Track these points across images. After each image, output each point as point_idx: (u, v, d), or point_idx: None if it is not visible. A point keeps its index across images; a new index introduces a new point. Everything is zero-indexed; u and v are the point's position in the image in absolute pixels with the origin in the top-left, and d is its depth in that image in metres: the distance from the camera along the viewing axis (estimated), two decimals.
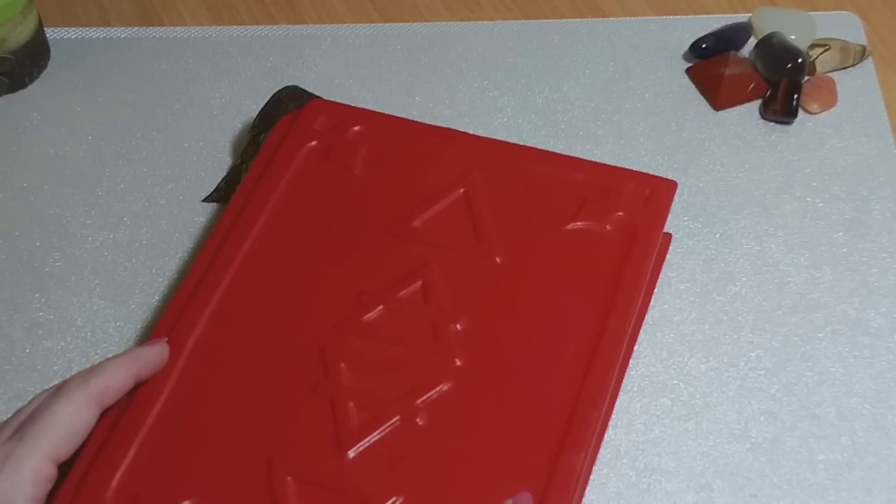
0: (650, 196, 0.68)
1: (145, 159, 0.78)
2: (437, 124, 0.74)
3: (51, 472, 0.55)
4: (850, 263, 0.73)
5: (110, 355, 0.68)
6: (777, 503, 0.63)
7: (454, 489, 0.58)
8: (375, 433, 0.60)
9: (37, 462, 0.54)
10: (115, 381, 0.59)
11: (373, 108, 0.74)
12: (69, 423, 0.56)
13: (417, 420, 0.60)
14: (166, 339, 0.62)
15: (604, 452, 0.65)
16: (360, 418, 0.60)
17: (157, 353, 0.61)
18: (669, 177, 0.70)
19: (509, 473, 0.59)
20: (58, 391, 0.57)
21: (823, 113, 0.81)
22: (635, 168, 0.71)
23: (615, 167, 0.70)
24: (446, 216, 0.68)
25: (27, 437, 0.55)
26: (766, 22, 0.84)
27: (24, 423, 0.56)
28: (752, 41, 0.84)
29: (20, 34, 0.80)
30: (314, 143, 0.71)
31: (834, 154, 0.79)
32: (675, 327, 0.70)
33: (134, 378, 0.60)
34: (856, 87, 0.82)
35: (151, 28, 0.86)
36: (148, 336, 0.66)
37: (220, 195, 0.76)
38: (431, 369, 0.62)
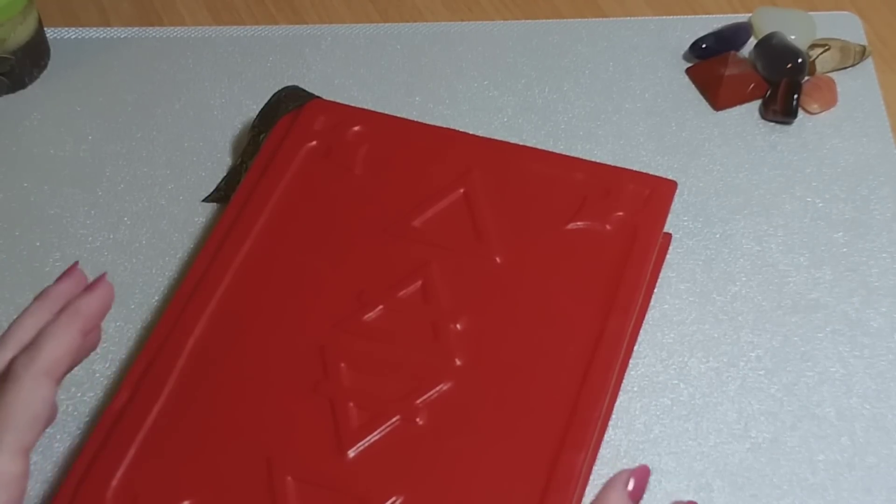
0: (650, 196, 0.68)
1: (145, 159, 0.78)
2: (437, 124, 0.74)
3: (21, 466, 0.52)
4: (850, 263, 0.73)
5: (110, 355, 0.68)
6: (777, 503, 0.63)
7: (454, 489, 0.58)
8: (375, 433, 0.60)
9: (4, 463, 0.51)
10: (61, 348, 0.54)
11: (373, 108, 0.74)
12: (24, 410, 0.52)
13: (417, 420, 0.60)
14: (105, 273, 0.57)
15: (604, 452, 0.65)
16: (360, 418, 0.60)
17: (98, 298, 0.57)
18: (669, 177, 0.70)
19: (509, 473, 0.59)
20: (4, 378, 0.53)
21: (823, 113, 0.81)
22: (635, 168, 0.71)
23: (615, 167, 0.70)
24: (446, 216, 0.68)
25: None
26: (766, 22, 0.84)
27: None
28: (752, 41, 0.84)
29: (20, 34, 0.80)
30: (314, 143, 0.71)
31: (834, 154, 0.79)
32: (675, 327, 0.70)
33: (81, 334, 0.56)
34: (856, 87, 0.82)
35: (151, 28, 0.86)
36: (148, 336, 0.66)
37: (220, 195, 0.76)
38: (431, 369, 0.62)
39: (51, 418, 0.55)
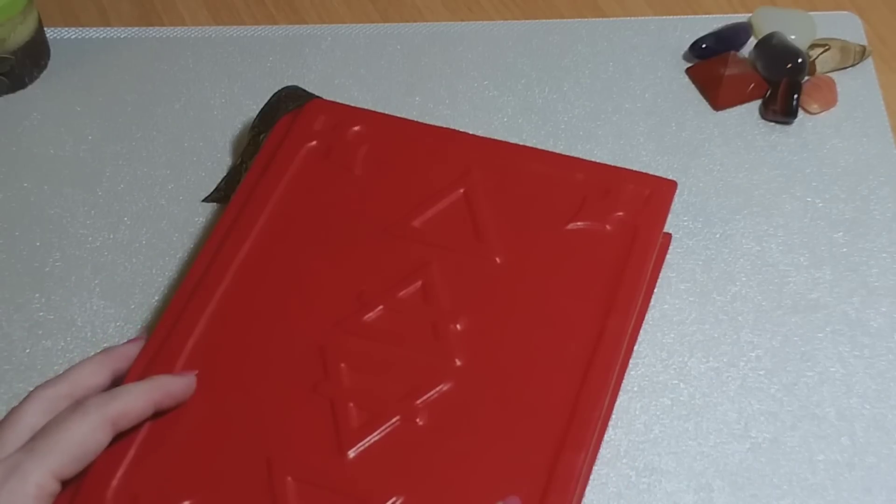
0: (650, 196, 0.68)
1: (145, 159, 0.78)
2: (437, 124, 0.74)
3: (54, 487, 0.55)
4: (850, 263, 0.73)
5: None
6: (777, 503, 0.63)
7: (454, 489, 0.58)
8: (375, 433, 0.60)
9: (42, 477, 0.54)
10: (135, 408, 0.58)
11: (373, 108, 0.74)
12: (80, 444, 0.55)
13: (417, 420, 0.60)
14: (195, 372, 0.61)
15: (604, 452, 0.65)
16: (360, 418, 0.60)
17: (182, 384, 0.60)
18: (669, 177, 0.70)
19: (509, 473, 0.59)
20: (76, 407, 0.56)
21: (823, 113, 0.81)
22: (635, 168, 0.71)
23: (615, 167, 0.70)
24: (446, 216, 0.68)
25: (36, 451, 0.54)
26: (766, 22, 0.84)
27: (37, 434, 0.56)
28: (752, 41, 0.84)
29: (20, 34, 0.80)
30: (314, 143, 0.71)
31: (834, 154, 0.79)
32: (675, 327, 0.70)
33: (154, 406, 0.59)
34: (856, 87, 0.82)
35: (151, 28, 0.86)
36: (148, 335, 0.66)
37: (220, 195, 0.76)
38: (431, 369, 0.62)
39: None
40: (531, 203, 0.69)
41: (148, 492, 0.58)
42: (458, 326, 0.64)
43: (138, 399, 0.58)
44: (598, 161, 0.71)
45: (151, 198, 0.76)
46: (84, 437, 0.56)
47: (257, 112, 0.76)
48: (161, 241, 0.74)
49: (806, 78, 0.81)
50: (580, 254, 0.66)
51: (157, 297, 0.71)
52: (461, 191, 0.69)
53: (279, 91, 0.76)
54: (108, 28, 0.86)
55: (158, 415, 0.60)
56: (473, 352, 0.63)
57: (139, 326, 0.70)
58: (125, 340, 0.67)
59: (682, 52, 0.84)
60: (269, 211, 0.68)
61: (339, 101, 0.75)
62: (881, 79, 0.83)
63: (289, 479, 0.59)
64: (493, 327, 0.64)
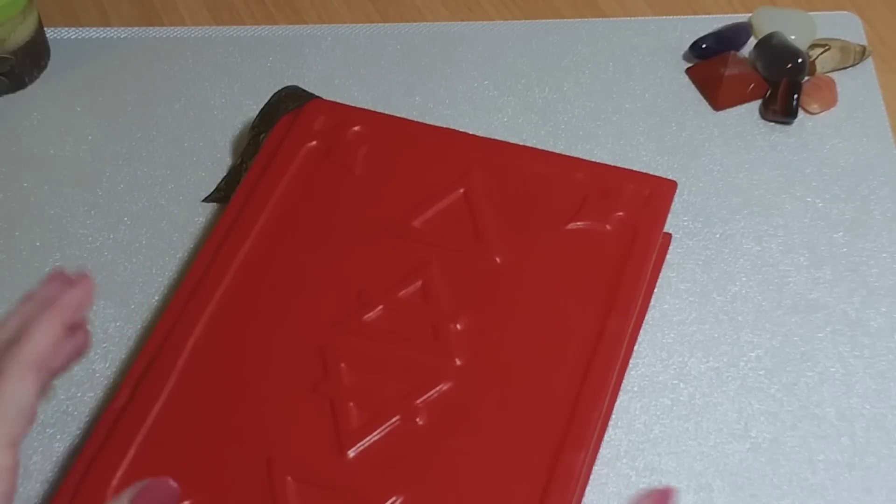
0: (650, 196, 0.68)
1: (145, 159, 0.78)
2: (437, 124, 0.74)
3: (11, 459, 0.52)
4: (850, 263, 0.73)
5: (110, 355, 0.68)
6: (777, 503, 0.63)
7: (454, 489, 0.58)
8: (375, 433, 0.60)
9: None
10: (46, 341, 0.54)
11: (373, 108, 0.74)
12: (14, 403, 0.52)
13: (417, 420, 0.60)
14: (87, 271, 0.57)
15: (604, 452, 0.65)
16: (360, 418, 0.60)
17: (79, 292, 0.57)
18: (669, 177, 0.70)
19: (509, 473, 0.59)
20: None
21: (823, 113, 0.81)
22: (635, 168, 0.71)
23: (615, 167, 0.70)
24: (446, 216, 0.68)
25: None
26: (766, 22, 0.84)
27: None
28: (752, 41, 0.84)
29: (20, 34, 0.80)
30: (314, 143, 0.72)
31: (834, 154, 0.79)
32: (675, 327, 0.70)
33: (64, 328, 0.56)
34: (856, 87, 0.82)
35: (151, 28, 0.86)
36: (148, 336, 0.66)
37: (220, 195, 0.76)
38: (431, 369, 0.62)
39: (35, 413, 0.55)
40: (531, 203, 0.69)
41: None
42: (458, 326, 0.64)
43: (47, 333, 0.55)
44: (598, 161, 0.71)
45: (151, 198, 0.76)
46: (12, 394, 0.53)
47: (257, 112, 0.76)
48: (161, 241, 0.74)
49: (806, 78, 0.81)
50: (580, 254, 0.66)
51: (157, 297, 0.71)
52: (461, 191, 0.69)
53: (279, 91, 0.76)
54: (108, 28, 0.86)
55: (158, 414, 0.60)
56: (473, 352, 0.63)
57: (139, 326, 0.70)
58: (123, 339, 0.67)
59: (682, 52, 0.84)
60: (269, 211, 0.68)
61: (339, 101, 0.75)
62: (881, 79, 0.83)
63: (289, 479, 0.59)
64: (493, 327, 0.64)
